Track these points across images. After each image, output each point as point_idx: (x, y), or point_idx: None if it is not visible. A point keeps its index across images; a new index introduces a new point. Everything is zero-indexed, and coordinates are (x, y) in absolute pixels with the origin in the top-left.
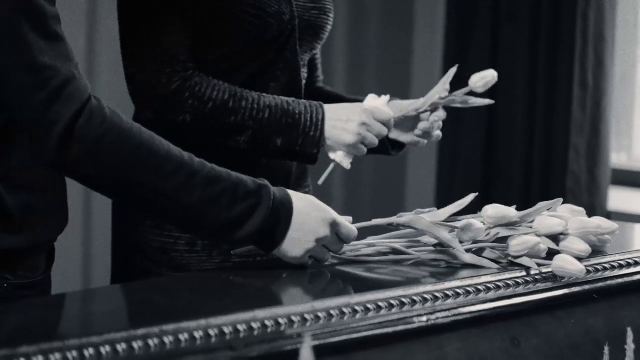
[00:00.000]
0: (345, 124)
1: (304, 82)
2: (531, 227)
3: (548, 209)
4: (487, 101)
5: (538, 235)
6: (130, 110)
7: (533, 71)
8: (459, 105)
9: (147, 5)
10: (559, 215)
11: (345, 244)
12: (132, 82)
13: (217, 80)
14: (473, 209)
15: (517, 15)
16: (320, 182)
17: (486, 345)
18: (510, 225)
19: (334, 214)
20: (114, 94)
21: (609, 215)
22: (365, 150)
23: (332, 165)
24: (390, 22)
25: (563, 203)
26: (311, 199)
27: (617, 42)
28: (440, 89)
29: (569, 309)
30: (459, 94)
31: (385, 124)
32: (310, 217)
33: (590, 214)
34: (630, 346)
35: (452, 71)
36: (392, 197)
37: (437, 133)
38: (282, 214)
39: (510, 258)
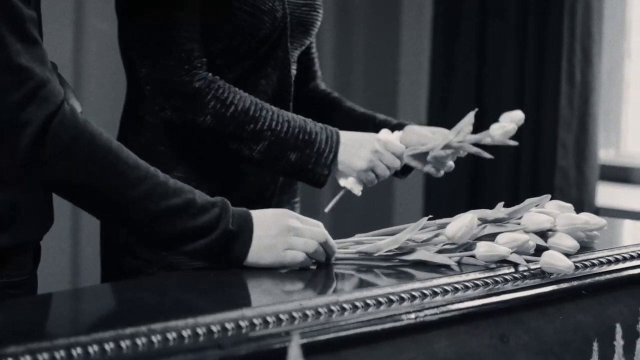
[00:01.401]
0: (358, 149)
1: (293, 78)
2: (519, 224)
3: (536, 205)
4: (486, 155)
5: (526, 232)
6: (117, 111)
7: (520, 67)
8: (472, 151)
9: (157, 3)
10: (546, 212)
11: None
12: (149, 81)
13: (236, 88)
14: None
15: (504, 12)
16: (327, 209)
17: (475, 342)
18: (497, 221)
19: (293, 216)
20: (101, 94)
21: (597, 211)
22: (375, 179)
23: (341, 192)
24: (377, 18)
25: (551, 199)
26: (267, 210)
27: (605, 38)
28: (457, 132)
29: (558, 305)
30: (475, 139)
31: (397, 156)
32: (271, 223)
33: (578, 209)
34: (619, 342)
35: (471, 116)
36: (381, 197)
37: (450, 164)
38: (243, 224)
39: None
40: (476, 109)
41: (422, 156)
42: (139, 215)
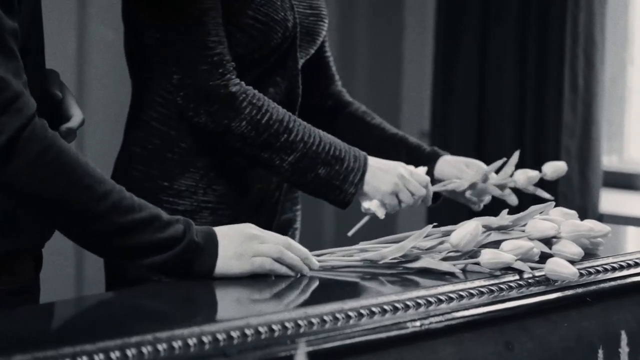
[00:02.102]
0: (385, 172)
1: (301, 87)
2: (523, 231)
3: (540, 213)
4: (513, 201)
5: (530, 239)
6: (121, 118)
7: (523, 74)
8: (496, 194)
9: (183, 11)
10: (551, 219)
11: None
12: (182, 87)
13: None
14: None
15: (506, 18)
16: (350, 233)
17: (480, 349)
18: (502, 229)
19: (254, 226)
20: (104, 101)
21: (601, 218)
22: (398, 205)
23: (366, 218)
24: (379, 23)
25: (555, 206)
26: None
27: (607, 44)
28: (490, 171)
29: (563, 312)
30: (499, 181)
31: (422, 185)
32: (234, 234)
33: (582, 216)
34: (624, 349)
35: (515, 157)
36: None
37: (488, 198)
38: (208, 237)
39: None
40: (519, 150)
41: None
42: (106, 228)
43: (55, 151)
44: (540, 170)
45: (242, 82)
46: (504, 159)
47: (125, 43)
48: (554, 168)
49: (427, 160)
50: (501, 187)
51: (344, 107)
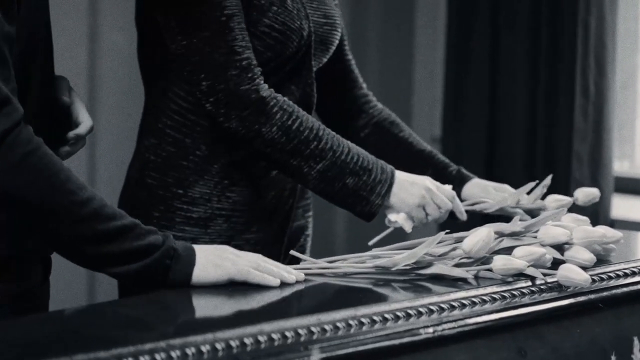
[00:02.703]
0: (411, 185)
1: (316, 95)
2: (536, 237)
3: (552, 219)
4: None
5: (543, 245)
6: (132, 125)
7: (534, 79)
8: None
9: (211, 16)
10: (563, 225)
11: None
12: (213, 92)
13: None
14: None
15: (517, 24)
16: (371, 243)
17: (493, 355)
18: (514, 235)
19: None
20: (116, 107)
21: (612, 223)
22: (425, 218)
23: (390, 228)
24: (390, 32)
25: (567, 212)
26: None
27: (618, 49)
28: (519, 194)
29: (575, 318)
30: (529, 207)
31: (449, 198)
32: (211, 246)
33: (593, 222)
34: (636, 355)
35: (547, 180)
36: None
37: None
38: (186, 245)
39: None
40: (551, 175)
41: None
42: (87, 234)
43: (39, 155)
44: (571, 195)
45: (271, 88)
46: (536, 182)
47: (139, 50)
48: (586, 194)
49: (454, 181)
50: (530, 212)
51: (371, 114)
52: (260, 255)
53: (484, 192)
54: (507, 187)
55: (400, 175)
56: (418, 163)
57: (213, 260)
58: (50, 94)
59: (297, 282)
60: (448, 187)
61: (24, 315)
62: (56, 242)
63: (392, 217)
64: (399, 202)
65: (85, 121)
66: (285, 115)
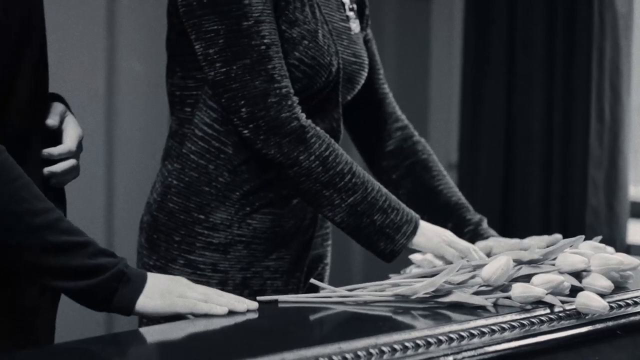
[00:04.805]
0: (433, 233)
1: (342, 131)
2: (554, 265)
3: (570, 246)
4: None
5: (561, 273)
6: (149, 150)
7: (550, 105)
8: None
9: (250, 43)
10: (581, 252)
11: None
12: (253, 119)
13: None
14: None
15: (533, 49)
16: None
17: None
18: (532, 263)
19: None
20: (134, 131)
21: (628, 249)
22: (454, 256)
23: (412, 267)
24: (406, 56)
25: (584, 239)
26: None
27: (633, 74)
28: (528, 250)
29: (594, 345)
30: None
31: (464, 252)
32: (164, 276)
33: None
34: None
35: (580, 240)
36: None
37: None
38: (137, 271)
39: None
40: (582, 237)
41: None
42: (36, 244)
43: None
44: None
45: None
46: (580, 239)
47: (168, 75)
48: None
49: (473, 238)
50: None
51: (405, 154)
52: (214, 289)
53: (507, 246)
54: (520, 243)
55: (423, 223)
56: (440, 215)
57: (162, 290)
58: (41, 93)
59: (249, 310)
60: (466, 242)
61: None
62: (3, 248)
63: (414, 257)
64: (422, 245)
65: (65, 143)
66: (323, 146)
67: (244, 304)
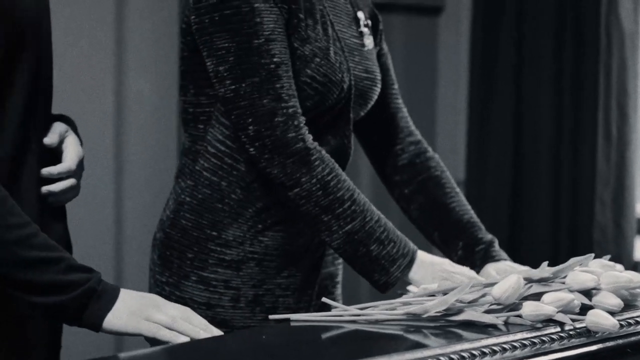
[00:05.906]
0: (431, 265)
1: (352, 147)
2: (564, 283)
3: (580, 265)
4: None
5: (571, 291)
6: (157, 169)
7: (557, 123)
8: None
9: (260, 62)
10: (590, 271)
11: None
12: (259, 137)
13: None
14: None
15: (540, 68)
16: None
17: None
18: (542, 281)
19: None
20: (141, 153)
21: (635, 266)
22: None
23: (410, 294)
24: (413, 72)
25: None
26: None
27: None
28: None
29: None
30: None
31: (468, 277)
32: (139, 294)
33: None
34: None
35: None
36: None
37: None
38: (111, 287)
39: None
40: (592, 255)
41: None
42: (6, 258)
43: None
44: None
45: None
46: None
47: (181, 94)
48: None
49: (477, 261)
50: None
51: (417, 170)
52: (186, 311)
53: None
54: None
55: (421, 255)
56: (452, 233)
57: (131, 309)
58: (40, 109)
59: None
60: (466, 269)
61: None
62: None
63: (411, 287)
64: (418, 279)
65: (65, 162)
66: (326, 170)
67: (202, 333)
